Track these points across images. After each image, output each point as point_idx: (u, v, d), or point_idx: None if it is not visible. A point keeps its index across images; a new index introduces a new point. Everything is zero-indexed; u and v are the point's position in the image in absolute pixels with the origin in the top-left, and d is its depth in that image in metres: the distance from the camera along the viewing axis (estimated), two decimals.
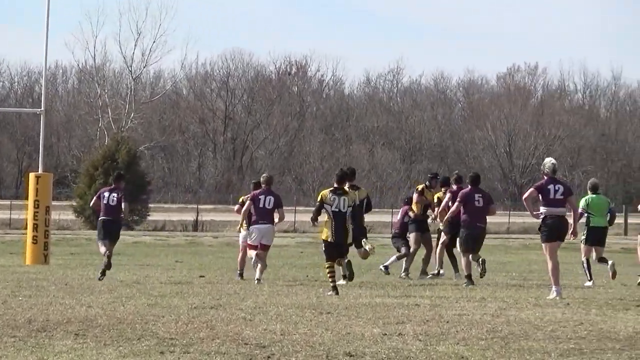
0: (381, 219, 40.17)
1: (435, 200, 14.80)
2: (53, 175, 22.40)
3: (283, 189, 55.98)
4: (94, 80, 59.87)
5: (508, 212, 46.02)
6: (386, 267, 15.07)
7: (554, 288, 11.60)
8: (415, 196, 15.05)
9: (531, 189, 11.59)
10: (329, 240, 11.94)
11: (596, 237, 14.03)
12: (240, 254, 14.98)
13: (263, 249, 13.99)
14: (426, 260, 15.09)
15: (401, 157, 69.36)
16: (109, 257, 14.31)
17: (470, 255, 13.72)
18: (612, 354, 7.39)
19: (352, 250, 13.38)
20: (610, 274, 13.93)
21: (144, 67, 58.81)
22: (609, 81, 76.53)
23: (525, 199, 11.56)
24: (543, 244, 11.56)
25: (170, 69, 76.81)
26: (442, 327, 8.71)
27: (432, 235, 15.24)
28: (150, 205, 44.18)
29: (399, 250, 15.09)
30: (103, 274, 14.20)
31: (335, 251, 11.97)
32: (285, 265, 19.44)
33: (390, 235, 15.84)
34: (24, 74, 75.12)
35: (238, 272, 14.95)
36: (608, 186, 63.58)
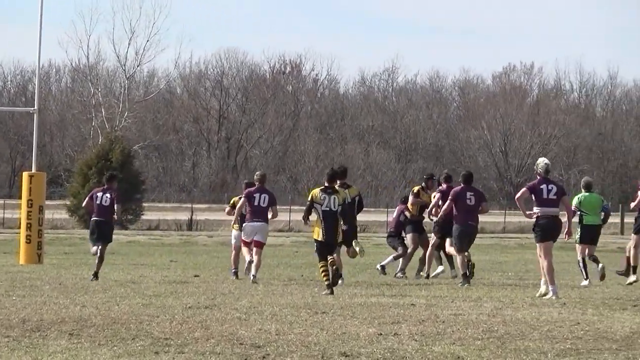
0: (376, 218, 40.14)
1: (433, 200, 14.79)
2: (46, 175, 22.33)
3: (278, 189, 55.93)
4: (88, 79, 59.70)
5: (504, 211, 46.04)
6: (382, 267, 15.04)
7: (550, 288, 11.60)
8: (411, 198, 15.03)
9: (523, 189, 11.63)
10: (320, 239, 11.95)
11: (589, 235, 14.05)
12: (234, 253, 14.96)
13: (257, 245, 13.99)
14: (423, 261, 15.06)
15: (396, 157, 69.29)
16: (100, 258, 14.31)
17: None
18: (609, 354, 7.38)
19: (346, 253, 13.36)
20: (599, 276, 13.93)
21: (137, 66, 58.71)
22: (605, 80, 76.44)
23: (517, 199, 11.61)
24: (537, 244, 11.58)
25: (164, 68, 76.80)
26: (438, 327, 8.70)
27: (429, 235, 15.20)
28: (144, 204, 44.08)
29: (395, 250, 15.05)
30: (95, 275, 14.18)
31: (327, 250, 11.99)
32: (280, 264, 19.41)
33: (386, 235, 15.80)
34: (17, 73, 74.99)
35: (233, 270, 14.92)
36: (604, 185, 63.62)
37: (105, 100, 57.60)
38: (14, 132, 68.80)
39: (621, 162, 67.61)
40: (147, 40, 56.91)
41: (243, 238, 14.28)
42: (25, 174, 20.37)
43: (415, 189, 15.24)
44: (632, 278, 13.70)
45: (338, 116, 74.14)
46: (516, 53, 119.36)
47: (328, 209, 11.89)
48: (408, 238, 15.01)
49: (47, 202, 22.12)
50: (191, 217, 41.30)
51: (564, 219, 11.63)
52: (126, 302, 10.61)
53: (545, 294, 11.47)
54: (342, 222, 12.09)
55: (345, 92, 78.15)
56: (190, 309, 10.02)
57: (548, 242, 11.49)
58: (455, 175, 15.14)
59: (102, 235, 14.45)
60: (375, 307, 10.34)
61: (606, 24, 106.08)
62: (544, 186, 11.47)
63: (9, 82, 75.37)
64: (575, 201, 14.11)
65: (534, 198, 11.51)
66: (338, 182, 12.87)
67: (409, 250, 14.96)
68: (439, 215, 14.04)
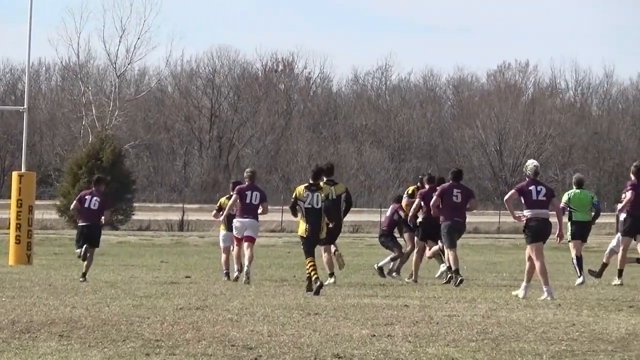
0: (369, 218, 40.12)
1: (414, 205, 14.72)
2: (36, 174, 22.21)
3: (270, 188, 55.84)
4: (78, 78, 59.51)
5: (498, 211, 45.82)
6: (381, 269, 14.93)
7: (544, 288, 11.59)
8: (405, 199, 14.97)
9: (512, 191, 11.66)
10: (304, 235, 12.04)
11: (580, 232, 14.05)
12: (224, 256, 14.89)
13: (249, 240, 14.01)
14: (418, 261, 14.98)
15: (390, 156, 69.19)
16: (89, 260, 14.24)
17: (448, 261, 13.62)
18: (604, 356, 7.34)
19: (321, 255, 13.24)
20: (577, 283, 13.93)
21: (128, 64, 58.55)
22: (601, 79, 75.98)
23: (506, 200, 11.66)
24: (528, 246, 11.57)
25: (155, 66, 76.73)
26: (432, 328, 8.65)
27: None
28: (135, 204, 43.95)
29: (391, 251, 14.97)
30: (84, 275, 14.11)
31: (312, 246, 12.07)
32: (273, 265, 19.35)
33: (379, 235, 15.73)
34: (7, 71, 74.66)
35: (224, 271, 14.84)
36: (600, 185, 63.53)
37: (95, 98, 57.41)
38: (3, 131, 68.47)
39: (617, 161, 67.46)
40: (138, 38, 56.82)
41: (235, 234, 14.25)
42: (14, 174, 20.25)
43: (410, 189, 15.17)
44: (617, 281, 13.67)
45: (331, 115, 74.04)
46: (511, 51, 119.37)
47: (310, 206, 11.97)
48: (405, 237, 14.95)
49: (37, 202, 22.01)
50: (182, 218, 41.20)
51: (554, 220, 11.62)
52: (117, 304, 10.54)
53: (522, 298, 11.40)
54: (327, 219, 12.09)
55: (338, 91, 78.09)
56: (182, 310, 9.95)
57: (539, 244, 11.50)
58: (447, 176, 15.08)
59: (89, 240, 14.34)
60: (368, 308, 10.28)
61: (602, 22, 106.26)
62: (532, 187, 11.48)
63: None
64: (564, 198, 14.15)
65: (523, 200, 11.50)
66: (325, 179, 12.88)
67: (408, 249, 14.88)
68: (433, 210, 13.89)
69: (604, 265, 14.85)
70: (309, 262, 11.97)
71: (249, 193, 14.09)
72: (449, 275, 13.66)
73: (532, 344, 7.82)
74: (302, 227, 12.07)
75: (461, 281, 13.35)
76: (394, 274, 14.84)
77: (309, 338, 7.99)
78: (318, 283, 11.80)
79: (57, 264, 18.86)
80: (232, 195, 14.57)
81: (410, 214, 14.39)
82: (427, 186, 14.38)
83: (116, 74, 58.02)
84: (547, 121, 68.80)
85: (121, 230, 38.96)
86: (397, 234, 15.16)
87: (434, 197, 13.69)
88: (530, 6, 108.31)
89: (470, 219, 33.91)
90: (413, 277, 14.39)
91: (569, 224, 14.15)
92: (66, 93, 67.20)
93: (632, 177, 13.72)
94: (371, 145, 69.05)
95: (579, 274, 13.92)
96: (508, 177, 66.68)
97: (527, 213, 11.48)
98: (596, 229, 22.71)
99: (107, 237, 30.20)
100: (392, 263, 14.92)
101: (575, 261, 14.04)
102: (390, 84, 77.79)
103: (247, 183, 14.26)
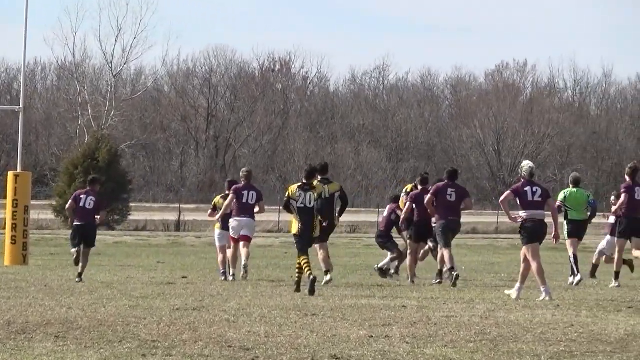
0: (367, 218, 40.06)
1: (405, 208, 14.68)
2: (32, 174, 22.16)
3: (267, 188, 55.73)
4: (74, 77, 59.39)
5: (496, 212, 45.72)
6: (381, 270, 14.87)
7: (542, 288, 11.56)
8: (403, 198, 14.93)
9: (507, 192, 11.67)
10: (297, 233, 12.12)
11: (576, 230, 14.07)
12: (220, 255, 14.84)
13: (245, 239, 14.00)
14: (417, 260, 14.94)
15: (387, 156, 69.11)
16: (84, 260, 14.18)
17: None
18: (603, 357, 7.32)
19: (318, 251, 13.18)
20: (575, 282, 13.91)
21: (124, 64, 58.48)
22: (600, 78, 75.78)
23: (501, 201, 11.67)
24: (524, 247, 11.57)
25: (152, 66, 76.30)
26: (430, 329, 8.62)
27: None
28: (131, 204, 43.88)
29: (391, 252, 14.92)
30: (80, 275, 14.06)
31: (306, 244, 12.13)
32: (270, 265, 19.32)
33: (376, 235, 15.70)
34: (2, 71, 74.47)
35: (221, 271, 14.80)
36: (599, 185, 63.39)
37: (91, 98, 57.31)
38: None
39: (616, 161, 67.32)
40: (134, 38, 56.75)
41: (231, 235, 14.23)
42: (10, 174, 20.18)
43: (409, 187, 15.12)
44: (615, 284, 13.66)
45: (328, 115, 73.97)
46: (509, 51, 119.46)
47: (303, 205, 12.05)
48: (403, 236, 14.89)
49: (33, 202, 21.96)
50: (179, 218, 41.14)
51: (549, 220, 11.60)
52: (113, 304, 10.50)
53: (515, 299, 11.37)
54: (320, 218, 12.10)
55: (336, 90, 78.01)
56: (178, 310, 9.92)
57: (535, 245, 11.50)
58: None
59: (85, 240, 14.29)
60: (366, 309, 10.25)
61: (600, 22, 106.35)
62: (528, 188, 11.47)
63: None
64: (560, 196, 14.17)
65: (518, 202, 11.49)
66: (319, 177, 12.89)
67: (409, 250, 14.84)
68: (429, 207, 13.86)
69: (594, 266, 14.90)
70: (303, 260, 12.01)
71: (245, 193, 14.14)
72: (454, 274, 13.56)
73: (531, 344, 7.80)
74: (295, 226, 12.15)
75: (457, 276, 13.34)
76: (391, 271, 14.80)
77: (307, 339, 7.96)
78: (312, 278, 11.78)
79: (53, 265, 18.81)
80: (227, 194, 14.55)
81: (402, 216, 14.35)
82: (419, 187, 14.31)
83: (112, 73, 57.95)
84: (546, 121, 68.67)
85: (117, 231, 38.89)
86: (396, 234, 15.13)
87: (428, 196, 13.70)
88: (528, 6, 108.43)
89: (469, 219, 33.98)
90: (410, 279, 14.36)
91: (564, 222, 14.16)
92: (62, 93, 67.08)
93: (627, 178, 13.70)
94: (369, 145, 68.99)
95: (576, 272, 13.92)
96: (506, 177, 66.52)
97: (522, 214, 11.48)
98: (595, 228, 22.67)
99: (104, 237, 30.15)
100: (392, 263, 14.90)
101: (572, 259, 14.04)
102: (387, 83, 77.75)
103: (243, 183, 14.29)
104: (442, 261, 13.80)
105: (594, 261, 15.29)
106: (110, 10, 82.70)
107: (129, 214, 42.73)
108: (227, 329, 8.49)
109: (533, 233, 11.41)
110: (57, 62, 63.73)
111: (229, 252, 14.60)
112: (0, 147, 68.29)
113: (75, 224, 14.40)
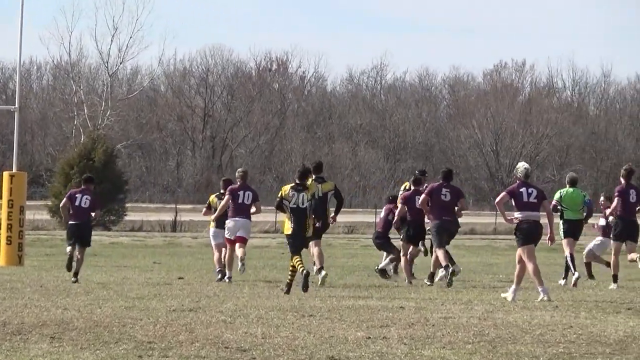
0: (364, 219, 39.99)
1: (397, 210, 14.62)
2: (27, 174, 22.09)
3: (264, 189, 55.72)
4: (70, 77, 59.27)
5: (495, 212, 45.71)
6: (382, 271, 14.82)
7: (539, 289, 11.55)
8: (402, 194, 14.86)
9: (503, 193, 11.68)
10: (289, 233, 12.12)
11: (572, 230, 14.06)
12: (216, 255, 14.79)
13: (241, 241, 13.99)
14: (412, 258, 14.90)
15: (385, 156, 69.05)
16: (79, 260, 14.13)
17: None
18: (602, 359, 7.30)
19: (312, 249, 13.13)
20: (573, 281, 13.89)
21: (120, 63, 58.29)
22: (599, 78, 75.62)
23: (497, 202, 11.66)
24: (520, 248, 11.56)
25: (148, 65, 76.37)
26: (428, 330, 8.59)
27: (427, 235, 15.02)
28: (127, 205, 43.78)
29: (389, 253, 14.88)
30: (75, 275, 13.99)
31: (299, 244, 12.11)
32: (267, 266, 19.29)
33: (373, 236, 15.65)
34: None
35: (217, 270, 14.75)
36: (597, 186, 63.30)
37: (87, 98, 57.19)
38: None
39: (615, 161, 67.17)
40: (130, 37, 56.58)
41: (227, 236, 14.20)
42: (5, 174, 20.12)
43: (407, 184, 15.05)
44: (613, 286, 13.65)
45: (325, 114, 73.92)
46: (507, 50, 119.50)
47: (296, 206, 12.04)
48: (403, 234, 14.84)
49: (28, 203, 21.92)
50: (175, 218, 41.05)
51: (545, 221, 11.59)
52: (109, 305, 10.46)
53: (510, 301, 11.35)
54: (313, 218, 12.08)
55: (333, 90, 77.93)
56: (175, 311, 9.88)
57: (530, 246, 11.50)
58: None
59: (80, 240, 14.23)
60: (363, 310, 10.22)
61: (599, 21, 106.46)
62: (523, 189, 11.47)
63: None
64: (556, 195, 14.18)
65: (513, 203, 11.47)
66: (314, 176, 12.86)
67: (402, 251, 14.80)
68: (394, 219, 13.89)
69: (588, 265, 14.89)
70: (295, 260, 11.98)
71: (241, 193, 14.11)
72: (456, 272, 13.50)
73: (529, 346, 7.77)
74: (287, 226, 12.15)
75: (453, 272, 13.31)
76: (390, 272, 14.76)
77: (304, 340, 7.93)
78: (305, 272, 11.77)
79: (49, 265, 18.75)
80: (222, 193, 14.51)
81: (395, 218, 14.30)
82: (412, 188, 14.24)
83: (108, 73, 57.82)
84: (544, 121, 68.61)
85: (113, 231, 38.81)
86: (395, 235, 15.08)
87: (423, 196, 13.67)
88: (527, 6, 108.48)
89: (467, 219, 33.92)
90: (407, 280, 14.31)
91: (560, 222, 14.15)
92: (58, 92, 66.98)
93: (622, 180, 13.68)
94: (366, 145, 68.95)
95: (573, 272, 13.91)
96: (504, 177, 66.41)
97: (518, 215, 11.46)
98: (589, 229, 22.62)
99: (100, 237, 30.07)
100: (390, 265, 14.86)
101: (568, 258, 14.04)
102: (385, 83, 77.72)
103: (239, 183, 14.24)
104: (436, 265, 13.73)
105: (584, 260, 15.28)
106: (106, 9, 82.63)
107: (125, 215, 42.65)
108: (224, 330, 8.45)
109: (528, 234, 11.41)
110: (53, 61, 63.62)
111: (225, 255, 14.56)
112: None
113: (70, 222, 14.33)
